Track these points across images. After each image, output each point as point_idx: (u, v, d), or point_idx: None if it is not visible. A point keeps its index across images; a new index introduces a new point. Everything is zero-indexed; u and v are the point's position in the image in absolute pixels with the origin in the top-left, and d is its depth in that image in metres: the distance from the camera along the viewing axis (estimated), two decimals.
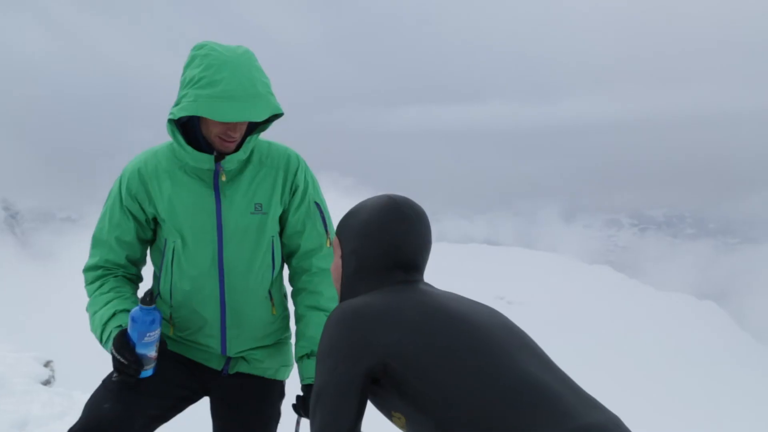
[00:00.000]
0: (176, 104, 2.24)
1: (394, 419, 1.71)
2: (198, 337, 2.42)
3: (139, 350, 2.18)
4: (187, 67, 2.24)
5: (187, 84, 2.20)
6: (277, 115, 2.37)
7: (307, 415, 2.37)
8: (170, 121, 2.27)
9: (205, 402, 2.55)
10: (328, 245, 2.51)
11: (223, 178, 2.34)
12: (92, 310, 2.36)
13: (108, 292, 2.37)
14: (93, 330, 2.35)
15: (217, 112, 2.16)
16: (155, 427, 2.38)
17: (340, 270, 1.93)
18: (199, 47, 2.24)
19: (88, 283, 2.42)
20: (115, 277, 2.41)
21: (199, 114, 2.17)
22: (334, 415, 1.63)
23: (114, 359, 2.20)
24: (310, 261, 2.50)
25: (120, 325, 2.25)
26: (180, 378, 2.43)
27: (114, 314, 2.29)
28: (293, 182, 2.44)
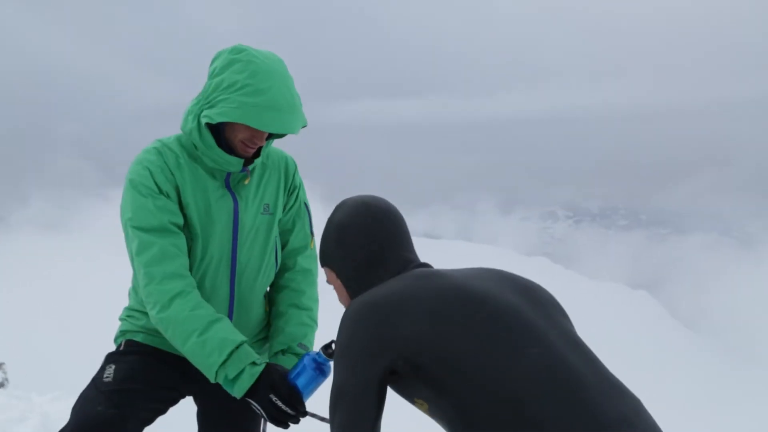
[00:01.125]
0: (210, 106, 2.22)
1: (416, 404, 1.70)
2: None
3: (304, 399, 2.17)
4: (224, 69, 2.22)
5: (226, 88, 2.19)
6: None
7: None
8: (198, 122, 2.26)
9: (185, 402, 2.52)
10: (311, 246, 2.58)
11: (246, 182, 2.38)
12: (191, 328, 2.16)
13: (202, 307, 2.21)
14: (198, 353, 2.16)
15: (262, 122, 2.17)
16: (142, 429, 2.35)
17: (345, 290, 1.95)
18: (238, 51, 2.23)
19: (158, 282, 2.20)
20: (194, 288, 2.25)
21: (244, 122, 2.17)
22: (354, 415, 1.63)
23: (273, 408, 2.14)
24: (295, 259, 2.55)
25: (254, 362, 2.17)
26: (168, 379, 2.40)
27: (239, 346, 2.18)
28: (291, 183, 2.53)
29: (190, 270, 2.31)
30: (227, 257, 2.37)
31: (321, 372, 2.12)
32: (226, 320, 2.25)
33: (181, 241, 2.28)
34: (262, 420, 2.50)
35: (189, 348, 2.17)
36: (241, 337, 2.20)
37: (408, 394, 1.70)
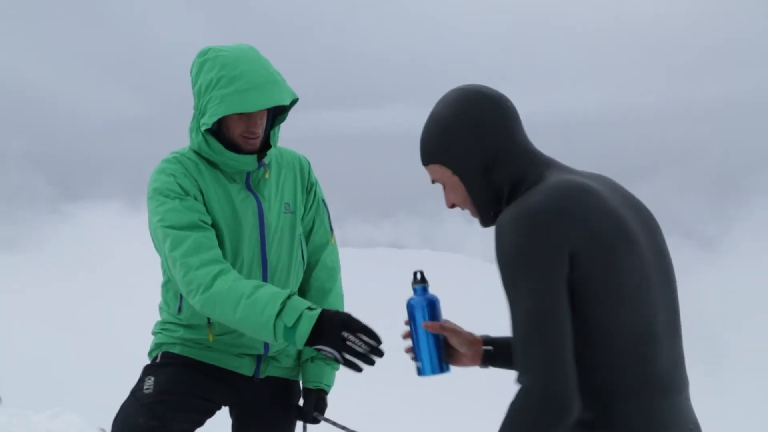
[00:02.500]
0: (202, 114, 2.25)
1: None
2: (242, 338, 2.36)
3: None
4: (198, 74, 2.25)
5: (206, 89, 2.22)
6: (289, 107, 2.40)
7: (309, 420, 2.43)
8: (201, 133, 2.26)
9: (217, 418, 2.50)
10: (332, 242, 2.59)
11: (267, 176, 2.38)
12: (239, 292, 2.07)
13: (242, 279, 2.14)
14: (251, 313, 2.04)
15: (247, 103, 2.18)
16: None
17: (463, 190, 1.72)
18: (204, 53, 2.27)
19: (196, 268, 2.14)
20: (230, 269, 2.18)
21: (230, 112, 2.19)
22: (556, 348, 1.46)
23: (346, 346, 1.95)
24: (318, 256, 2.55)
25: (309, 307, 2.02)
26: (206, 390, 2.39)
27: (290, 296, 2.05)
28: (308, 182, 2.53)
29: None
30: (258, 258, 2.37)
31: (432, 304, 1.86)
32: (271, 284, 2.19)
33: (213, 235, 2.25)
34: (302, 425, 2.47)
35: (240, 312, 2.06)
36: (291, 290, 2.12)
37: None
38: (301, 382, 2.56)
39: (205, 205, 2.30)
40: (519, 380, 1.50)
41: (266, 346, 2.41)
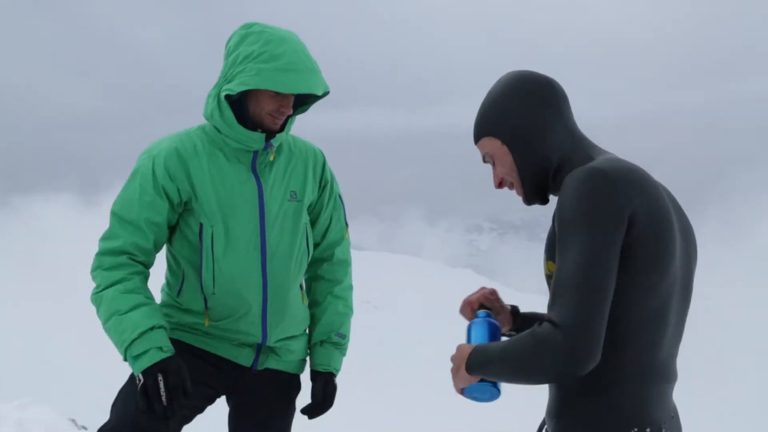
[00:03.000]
0: (228, 80, 2.24)
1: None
2: (239, 324, 2.36)
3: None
4: (239, 44, 2.25)
5: (243, 60, 2.22)
6: (316, 98, 2.42)
7: (319, 411, 2.48)
8: (218, 99, 2.26)
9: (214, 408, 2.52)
10: (347, 237, 2.61)
11: (271, 158, 2.37)
12: (116, 307, 2.20)
13: (136, 292, 2.23)
14: (114, 330, 2.19)
15: (284, 84, 2.20)
16: (181, 427, 2.37)
17: (514, 167, 1.77)
18: (249, 26, 2.28)
19: (106, 268, 2.26)
20: (139, 274, 2.28)
21: (262, 86, 2.19)
22: (599, 299, 1.49)
23: (153, 388, 2.12)
24: (333, 251, 2.57)
25: (160, 348, 2.16)
26: (208, 377, 2.38)
27: (152, 328, 2.18)
28: (322, 176, 2.52)
29: (224, 254, 2.31)
30: (256, 241, 2.35)
31: (493, 333, 1.82)
32: (154, 306, 2.25)
33: (146, 241, 2.29)
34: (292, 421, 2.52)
35: (108, 325, 2.20)
36: (157, 323, 2.20)
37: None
38: (308, 365, 2.59)
39: (194, 191, 2.30)
40: (554, 317, 1.51)
41: (264, 335, 2.39)
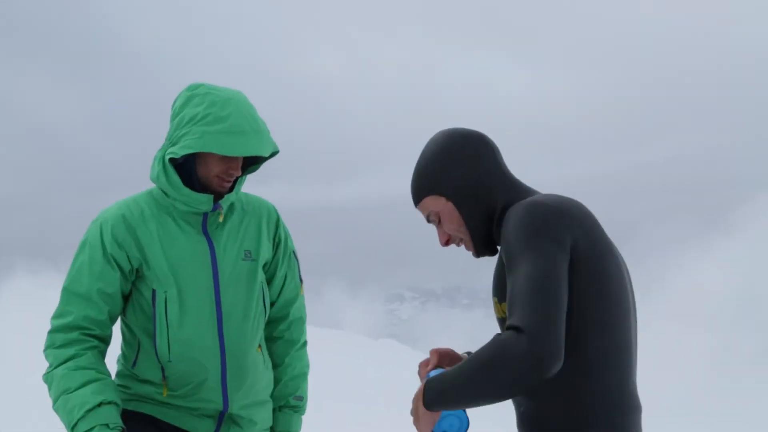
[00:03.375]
0: (173, 143, 2.22)
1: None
2: (199, 391, 2.30)
3: None
4: (183, 106, 2.24)
5: (188, 122, 2.20)
6: (266, 158, 2.40)
7: None
8: (163, 162, 2.24)
9: None
10: (301, 293, 2.59)
11: (221, 219, 2.34)
12: (65, 385, 2.17)
13: (87, 368, 2.19)
14: (62, 409, 2.16)
15: (227, 147, 2.17)
16: None
17: (460, 220, 1.79)
18: (194, 87, 2.26)
19: (57, 346, 2.22)
20: (92, 349, 2.24)
21: (207, 150, 2.17)
22: (555, 304, 1.51)
23: None
24: (288, 310, 2.53)
25: (107, 425, 2.11)
26: None
27: (100, 404, 2.14)
28: (276, 234, 2.49)
29: (177, 320, 2.27)
30: (210, 303, 2.30)
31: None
32: (105, 381, 2.21)
33: (99, 312, 2.25)
34: None
35: (57, 404, 2.18)
36: (106, 398, 2.15)
37: None
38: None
39: (145, 254, 2.27)
40: (515, 323, 1.50)
41: (225, 401, 2.33)
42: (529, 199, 1.67)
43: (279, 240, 2.50)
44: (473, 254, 1.83)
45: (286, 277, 2.53)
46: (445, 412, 1.65)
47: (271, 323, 2.53)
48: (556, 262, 1.55)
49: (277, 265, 2.50)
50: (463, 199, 1.78)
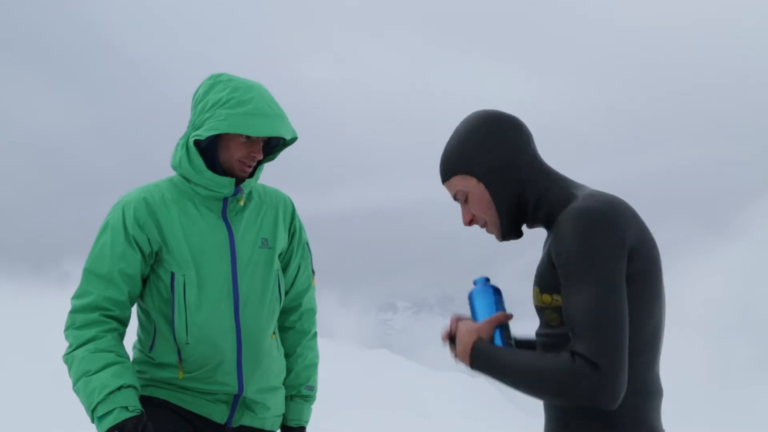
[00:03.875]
0: (197, 128, 2.26)
1: (550, 297, 1.66)
2: (215, 374, 2.31)
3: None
4: (207, 93, 2.29)
5: (212, 107, 2.25)
6: (283, 146, 2.46)
7: None
8: (186, 146, 2.28)
9: None
10: (313, 284, 2.62)
11: (241, 203, 2.38)
12: (85, 368, 2.18)
13: (107, 350, 2.21)
14: (82, 391, 2.18)
15: (252, 128, 2.23)
16: None
17: (489, 201, 1.76)
18: (216, 76, 2.32)
19: (77, 326, 2.24)
20: (111, 332, 2.25)
21: (233, 130, 2.22)
22: (623, 337, 1.53)
23: None
24: (300, 301, 2.56)
25: (126, 407, 2.14)
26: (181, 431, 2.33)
27: (120, 388, 2.15)
28: (292, 224, 2.53)
29: (196, 303, 2.28)
30: (228, 288, 2.32)
31: (498, 300, 1.79)
32: (125, 364, 2.22)
33: (120, 293, 2.27)
34: None
35: (77, 385, 2.19)
36: (125, 382, 2.17)
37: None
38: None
39: (164, 240, 2.29)
40: (586, 354, 1.52)
41: (240, 384, 2.34)
42: (582, 205, 1.63)
43: (294, 230, 2.54)
44: (497, 237, 1.81)
45: (299, 267, 2.56)
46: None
47: (283, 313, 2.55)
48: (618, 281, 1.55)
49: (292, 255, 2.54)
50: (494, 181, 1.75)
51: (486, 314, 1.75)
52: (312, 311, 2.62)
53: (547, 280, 1.66)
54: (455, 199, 1.83)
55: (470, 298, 1.80)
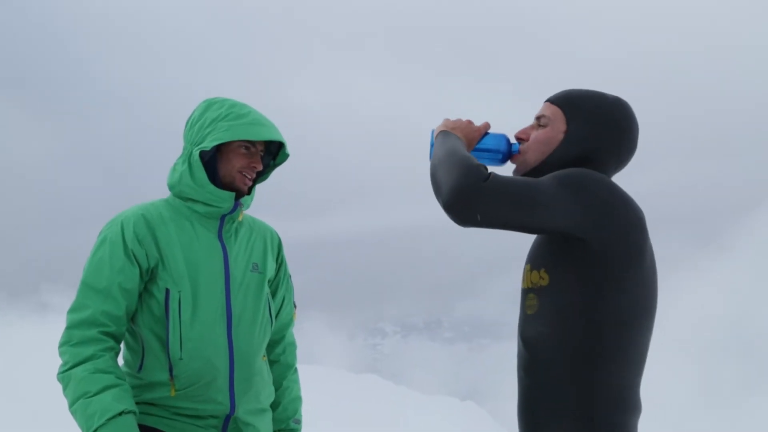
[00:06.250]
0: (198, 143, 2.34)
1: (539, 274, 1.68)
2: (208, 390, 2.31)
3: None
4: (204, 112, 2.38)
5: (211, 122, 2.34)
6: (274, 166, 2.59)
7: None
8: (189, 161, 2.34)
9: None
10: (294, 318, 2.68)
11: (240, 218, 2.46)
12: (84, 389, 2.16)
13: (106, 371, 2.19)
14: (81, 413, 2.15)
15: (254, 133, 2.34)
16: None
17: (554, 144, 1.83)
18: (211, 99, 2.42)
19: (74, 343, 2.21)
20: (109, 351, 2.23)
21: (237, 137, 2.32)
22: (531, 205, 1.61)
23: None
24: (284, 333, 2.64)
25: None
26: None
27: (121, 413, 2.14)
28: (279, 255, 2.61)
29: (190, 319, 2.29)
30: (221, 306, 2.36)
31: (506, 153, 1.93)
32: (124, 387, 2.21)
33: (118, 308, 2.27)
34: None
35: (76, 407, 2.17)
36: (126, 407, 2.16)
37: (560, 261, 1.67)
38: None
39: (162, 256, 2.31)
40: (489, 175, 1.60)
41: (232, 403, 2.34)
42: (603, 176, 1.72)
43: (281, 262, 2.62)
44: (518, 169, 1.88)
45: (284, 299, 2.63)
46: (491, 133, 1.89)
47: (268, 346, 2.59)
48: (559, 201, 1.60)
49: (278, 286, 2.61)
50: (574, 141, 1.82)
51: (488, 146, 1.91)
52: (294, 345, 2.69)
53: (539, 253, 1.72)
54: (536, 117, 1.90)
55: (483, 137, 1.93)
